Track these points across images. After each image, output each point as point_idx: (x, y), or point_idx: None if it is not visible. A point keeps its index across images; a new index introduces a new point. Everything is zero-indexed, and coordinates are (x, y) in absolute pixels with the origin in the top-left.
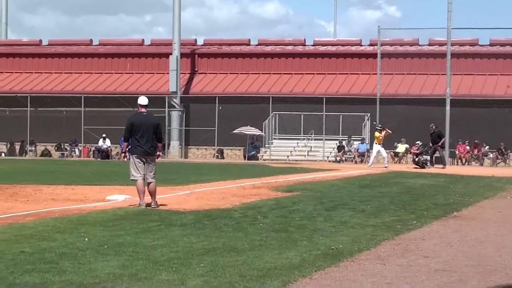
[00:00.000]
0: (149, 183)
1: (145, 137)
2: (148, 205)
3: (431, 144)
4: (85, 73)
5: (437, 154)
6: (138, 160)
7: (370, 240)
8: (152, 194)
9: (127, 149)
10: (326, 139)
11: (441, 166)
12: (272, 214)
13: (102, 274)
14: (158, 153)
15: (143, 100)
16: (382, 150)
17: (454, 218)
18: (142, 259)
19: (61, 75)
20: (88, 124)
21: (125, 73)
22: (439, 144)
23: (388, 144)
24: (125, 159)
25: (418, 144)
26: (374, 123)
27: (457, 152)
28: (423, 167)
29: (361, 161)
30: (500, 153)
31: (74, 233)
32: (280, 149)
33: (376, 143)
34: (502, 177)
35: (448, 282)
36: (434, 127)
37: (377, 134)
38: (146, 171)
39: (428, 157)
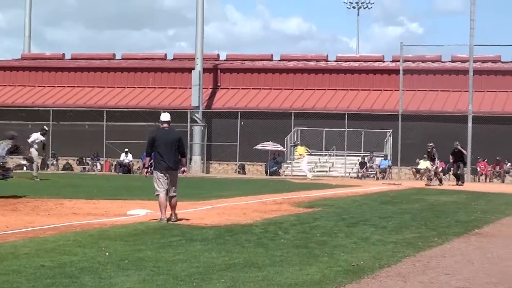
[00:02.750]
0: (171, 197)
1: (167, 152)
2: (169, 219)
3: (452, 161)
4: (107, 87)
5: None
6: (161, 175)
7: (391, 257)
8: (173, 207)
9: (149, 164)
10: (348, 155)
11: (459, 183)
12: (293, 230)
13: None
14: (183, 168)
15: (165, 117)
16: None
17: (476, 235)
18: (163, 274)
19: (83, 89)
20: (110, 139)
21: (148, 87)
22: (463, 159)
23: (410, 160)
24: (148, 175)
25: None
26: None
27: (479, 169)
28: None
29: (383, 177)
30: None
31: (95, 248)
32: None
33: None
34: None
35: None
36: (459, 146)
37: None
38: (169, 186)
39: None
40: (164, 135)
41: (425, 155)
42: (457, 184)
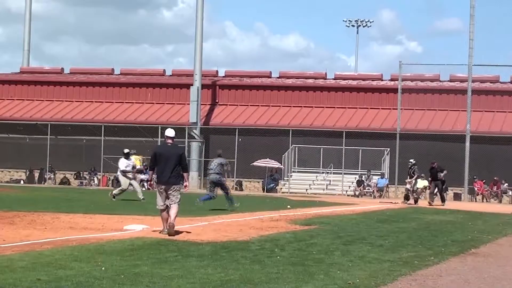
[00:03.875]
0: (170, 208)
1: (168, 167)
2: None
3: (430, 179)
4: (106, 102)
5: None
6: (160, 189)
7: (387, 276)
8: (171, 216)
9: (151, 177)
10: (345, 173)
11: (429, 202)
12: (290, 247)
13: None
14: (185, 183)
15: (169, 132)
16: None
17: (472, 255)
18: None
19: (82, 104)
20: (108, 153)
21: (146, 103)
22: (441, 178)
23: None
24: (152, 188)
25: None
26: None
27: (476, 189)
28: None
29: (380, 196)
30: None
31: (91, 262)
32: (299, 182)
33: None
34: None
35: None
36: (435, 164)
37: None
38: (169, 199)
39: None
40: (166, 151)
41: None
42: (442, 204)
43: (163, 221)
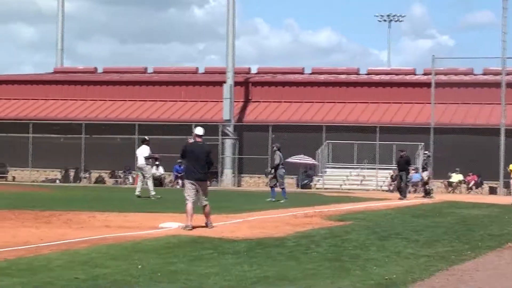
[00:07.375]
0: (203, 206)
1: (198, 163)
2: (205, 225)
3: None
4: (139, 100)
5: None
6: (190, 184)
7: (424, 271)
8: (207, 215)
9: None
10: (379, 168)
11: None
12: (325, 243)
13: None
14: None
15: (199, 131)
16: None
17: (509, 249)
18: (195, 287)
19: (115, 103)
20: None
21: (179, 101)
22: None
23: (442, 173)
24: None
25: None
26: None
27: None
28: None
29: (415, 191)
30: None
31: (128, 260)
32: (333, 178)
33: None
34: None
35: None
36: (403, 152)
37: None
38: (199, 196)
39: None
40: (196, 148)
41: (424, 166)
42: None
43: (188, 215)
